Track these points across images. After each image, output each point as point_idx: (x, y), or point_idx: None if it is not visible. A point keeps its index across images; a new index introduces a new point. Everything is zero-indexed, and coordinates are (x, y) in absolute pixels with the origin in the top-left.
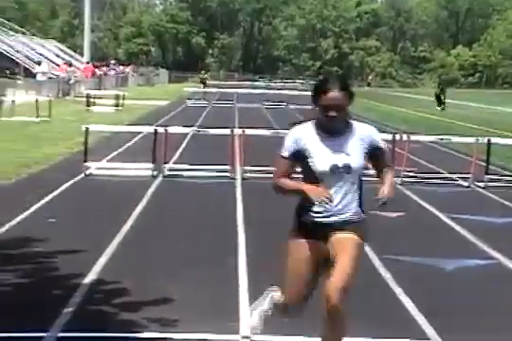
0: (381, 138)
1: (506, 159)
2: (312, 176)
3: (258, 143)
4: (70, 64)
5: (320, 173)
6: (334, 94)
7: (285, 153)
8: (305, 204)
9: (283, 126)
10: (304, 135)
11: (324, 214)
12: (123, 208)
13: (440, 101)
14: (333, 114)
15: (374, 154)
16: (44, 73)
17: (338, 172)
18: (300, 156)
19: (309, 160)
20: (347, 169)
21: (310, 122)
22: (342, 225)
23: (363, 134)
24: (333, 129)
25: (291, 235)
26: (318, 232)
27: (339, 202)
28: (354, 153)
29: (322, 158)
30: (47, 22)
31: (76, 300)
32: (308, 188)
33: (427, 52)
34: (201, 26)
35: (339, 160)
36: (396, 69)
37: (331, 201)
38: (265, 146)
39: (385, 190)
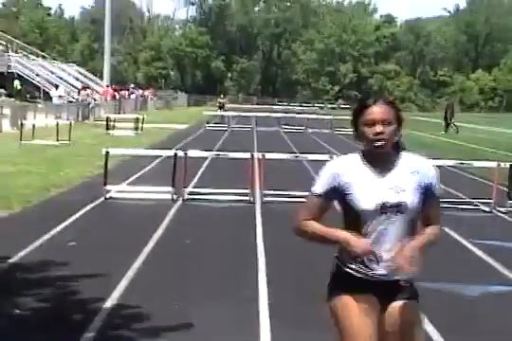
0: (438, 181)
1: None
2: (353, 217)
3: (277, 167)
4: (88, 87)
5: (363, 213)
6: (378, 107)
7: (318, 190)
8: (344, 254)
9: (301, 150)
10: (345, 168)
11: (371, 267)
12: (143, 232)
13: (446, 125)
14: (379, 129)
15: (423, 200)
16: (60, 96)
17: (388, 212)
18: (337, 194)
19: (350, 196)
20: (399, 207)
21: (352, 154)
22: (394, 284)
23: (417, 168)
24: (380, 155)
25: (333, 291)
26: (366, 287)
27: (388, 250)
28: (408, 189)
29: (367, 194)
30: (68, 46)
31: (96, 325)
32: (346, 238)
33: (446, 76)
34: (220, 50)
35: (389, 197)
36: (415, 93)
37: (377, 259)
38: (284, 170)
39: (405, 262)
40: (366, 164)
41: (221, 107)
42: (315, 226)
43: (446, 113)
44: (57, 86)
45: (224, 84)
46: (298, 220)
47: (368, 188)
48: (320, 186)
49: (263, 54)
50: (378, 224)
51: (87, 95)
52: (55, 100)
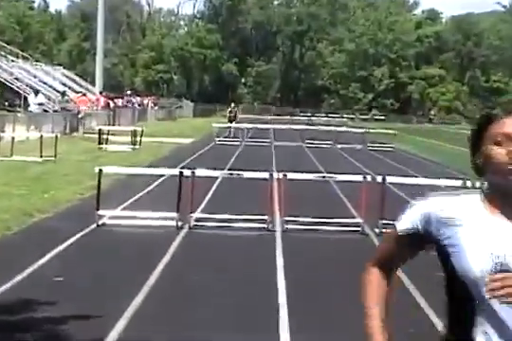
0: None
1: None
2: (462, 291)
3: (301, 189)
4: (85, 95)
5: (475, 282)
6: None
7: (401, 226)
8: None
9: (329, 169)
10: (453, 212)
11: None
12: (143, 265)
13: None
14: None
15: None
16: (40, 104)
17: None
18: (431, 244)
19: (459, 257)
20: None
21: (464, 192)
22: None
23: None
24: None
25: None
26: None
27: None
28: None
29: (483, 252)
30: (53, 45)
31: None
32: None
33: (500, 82)
34: (232, 51)
35: None
36: (464, 102)
37: None
38: (308, 193)
39: None
40: (490, 207)
41: (232, 118)
42: (370, 302)
43: None
44: (37, 92)
45: (237, 91)
46: (369, 263)
47: (491, 247)
48: (404, 221)
49: (283, 56)
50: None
51: (74, 102)
52: (34, 109)
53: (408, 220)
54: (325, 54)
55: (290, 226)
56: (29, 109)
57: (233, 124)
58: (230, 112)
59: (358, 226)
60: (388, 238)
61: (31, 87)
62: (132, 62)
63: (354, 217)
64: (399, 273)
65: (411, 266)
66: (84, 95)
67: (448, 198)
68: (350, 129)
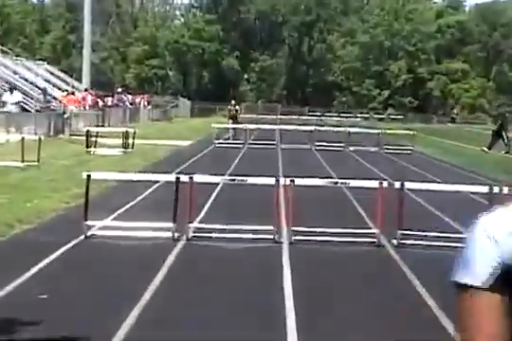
0: None
1: None
2: None
3: (310, 196)
4: (73, 93)
5: None
6: None
7: (480, 276)
8: None
9: (341, 174)
10: None
11: None
12: (136, 281)
13: (502, 140)
14: None
15: None
16: (17, 103)
17: None
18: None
19: None
20: None
21: None
22: None
23: None
24: None
25: None
26: None
27: None
28: None
29: None
30: (36, 38)
31: None
32: None
33: None
34: (234, 45)
35: None
36: (489, 100)
37: None
38: (319, 200)
39: None
40: None
41: (233, 117)
42: None
43: (500, 125)
44: (12, 90)
45: (239, 89)
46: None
47: None
48: (479, 271)
49: (289, 49)
50: None
51: (60, 101)
52: (11, 108)
53: (482, 261)
54: (336, 47)
55: (298, 238)
56: (5, 109)
57: (234, 125)
58: (230, 110)
59: (374, 237)
60: (470, 299)
61: (11, 84)
62: (122, 56)
63: (369, 227)
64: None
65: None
66: (73, 93)
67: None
68: (364, 129)
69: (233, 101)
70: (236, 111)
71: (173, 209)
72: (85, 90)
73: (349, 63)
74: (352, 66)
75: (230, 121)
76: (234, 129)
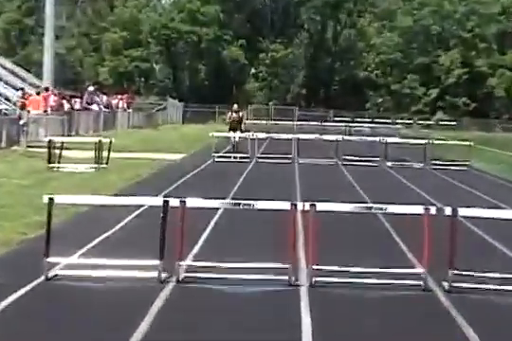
0: None
1: None
2: None
3: (336, 226)
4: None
5: None
6: None
7: None
8: None
9: (376, 197)
10: None
11: None
12: (111, 336)
13: None
14: None
15: None
16: None
17: None
18: None
19: None
20: None
21: None
22: None
23: None
24: None
25: None
26: None
27: None
28: None
29: None
30: None
31: None
32: None
33: None
34: (238, 30)
35: None
36: None
37: None
38: (347, 231)
39: None
40: None
41: (235, 128)
42: None
43: None
44: None
45: (244, 86)
46: None
47: None
48: None
49: (309, 36)
50: None
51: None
52: None
53: None
54: (369, 33)
55: (321, 279)
56: None
57: (238, 134)
58: (232, 118)
59: (419, 279)
60: None
61: None
62: (95, 45)
63: (412, 265)
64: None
65: None
66: (38, 93)
67: None
68: (406, 140)
69: (236, 106)
70: (240, 119)
71: (160, 242)
72: (46, 89)
73: (386, 54)
74: (390, 58)
75: (232, 133)
76: (235, 139)
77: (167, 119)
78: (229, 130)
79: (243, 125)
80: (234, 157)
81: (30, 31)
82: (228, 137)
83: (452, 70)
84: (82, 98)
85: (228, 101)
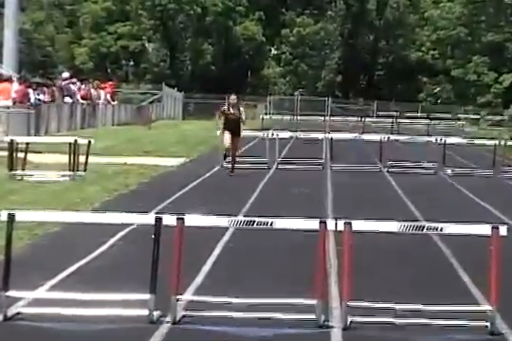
0: None
1: None
2: None
3: (377, 250)
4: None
5: None
6: None
7: None
8: None
9: (430, 213)
10: None
11: None
12: None
13: None
14: None
15: None
16: None
17: None
18: None
19: None
20: None
21: None
22: None
23: None
24: None
25: None
26: None
27: None
28: None
29: None
30: None
31: None
32: None
33: None
34: (254, 0)
35: None
36: None
37: None
38: (392, 256)
39: None
40: None
41: (232, 127)
42: None
43: None
44: None
45: (262, 72)
46: None
47: None
48: None
49: (346, 7)
50: None
51: None
52: None
53: None
54: (424, 3)
55: (358, 319)
56: None
57: (232, 138)
58: (226, 113)
59: (485, 319)
60: None
61: None
62: (70, 18)
63: (476, 302)
64: None
65: None
66: (7, 80)
67: None
68: (469, 140)
69: (233, 97)
70: (239, 116)
71: (151, 271)
72: (6, 80)
73: (445, 31)
74: (450, 35)
75: (227, 135)
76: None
77: (162, 114)
78: (224, 129)
79: (243, 124)
80: (230, 174)
81: None
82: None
83: None
84: (53, 86)
85: (241, 91)
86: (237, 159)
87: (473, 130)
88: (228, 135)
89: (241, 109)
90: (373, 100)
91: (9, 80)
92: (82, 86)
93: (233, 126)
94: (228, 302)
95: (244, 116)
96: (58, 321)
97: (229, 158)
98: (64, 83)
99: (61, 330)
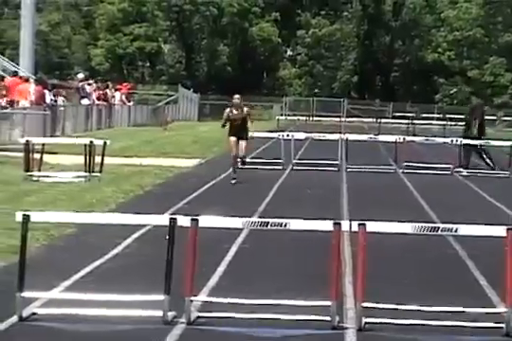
0: None
1: None
2: None
3: (392, 251)
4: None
5: None
6: None
7: None
8: None
9: (445, 215)
10: None
11: None
12: None
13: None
14: None
15: None
16: None
17: None
18: None
19: None
20: None
21: None
22: None
23: None
24: None
25: None
26: None
27: None
28: None
29: None
30: None
31: None
32: None
33: None
34: (270, 1)
35: None
36: None
37: None
38: (406, 257)
39: None
40: None
41: (237, 130)
42: None
43: (472, 121)
44: None
45: (278, 73)
46: None
47: None
48: None
49: (362, 8)
50: None
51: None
52: None
53: None
54: (441, 4)
55: (373, 320)
56: None
57: (243, 143)
58: (233, 116)
59: (501, 321)
60: None
61: None
62: (87, 21)
63: (491, 303)
64: None
65: None
66: (27, 80)
67: None
68: (485, 141)
69: (237, 97)
70: (244, 118)
71: (166, 273)
72: (19, 77)
73: (462, 31)
74: (467, 36)
75: (232, 141)
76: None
77: (178, 115)
78: (229, 134)
79: (250, 126)
80: (233, 182)
81: (4, 2)
82: (259, 138)
83: None
84: (69, 88)
85: (256, 92)
86: (239, 164)
87: (490, 131)
88: (233, 141)
89: (245, 109)
90: (389, 101)
91: (28, 80)
92: (98, 87)
93: (238, 128)
94: (243, 303)
95: (249, 117)
96: (73, 322)
97: (238, 163)
98: (80, 85)
99: (76, 330)
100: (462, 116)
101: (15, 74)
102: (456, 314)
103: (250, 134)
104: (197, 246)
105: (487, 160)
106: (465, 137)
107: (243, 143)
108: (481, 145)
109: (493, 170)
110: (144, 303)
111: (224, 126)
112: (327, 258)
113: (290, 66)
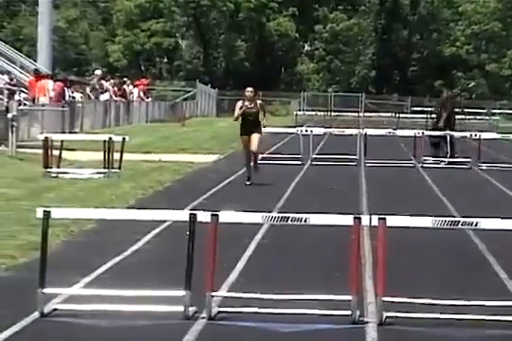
0: None
1: None
2: None
3: (412, 246)
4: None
5: None
6: None
7: None
8: None
9: (464, 208)
10: None
11: None
12: None
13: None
14: None
15: None
16: None
17: None
18: None
19: None
20: None
21: None
22: None
23: None
24: None
25: None
26: None
27: None
28: None
29: None
30: None
31: None
32: None
33: None
34: None
35: None
36: None
37: None
38: (427, 253)
39: None
40: None
41: (250, 125)
42: None
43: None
44: None
45: (296, 68)
46: None
47: None
48: None
49: (379, 3)
50: None
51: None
52: None
53: None
54: None
55: (394, 314)
56: None
57: (255, 139)
58: (245, 109)
59: None
60: None
61: None
62: (104, 17)
63: None
64: None
65: None
66: (48, 76)
67: None
68: (505, 135)
69: (250, 89)
70: (257, 112)
71: (187, 268)
72: (36, 75)
73: (480, 25)
74: (485, 30)
75: (245, 138)
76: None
77: (196, 111)
78: (241, 133)
79: (264, 122)
80: (247, 183)
81: (22, 0)
82: (279, 134)
83: None
84: (87, 84)
85: (275, 88)
86: (257, 161)
87: (508, 125)
88: (246, 140)
89: (258, 102)
90: (407, 96)
91: (47, 76)
92: (116, 83)
93: (251, 124)
94: (263, 298)
95: (263, 111)
96: (94, 317)
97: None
98: (97, 81)
99: (96, 326)
100: (479, 110)
101: (36, 72)
102: (477, 308)
103: (264, 123)
104: (218, 241)
105: (448, 149)
106: (433, 130)
107: (256, 137)
108: (450, 136)
109: (452, 157)
110: (165, 299)
111: (236, 119)
112: (347, 252)
113: (308, 61)
